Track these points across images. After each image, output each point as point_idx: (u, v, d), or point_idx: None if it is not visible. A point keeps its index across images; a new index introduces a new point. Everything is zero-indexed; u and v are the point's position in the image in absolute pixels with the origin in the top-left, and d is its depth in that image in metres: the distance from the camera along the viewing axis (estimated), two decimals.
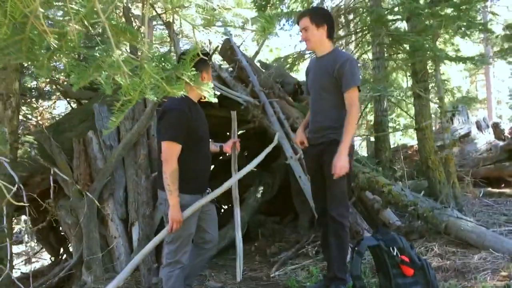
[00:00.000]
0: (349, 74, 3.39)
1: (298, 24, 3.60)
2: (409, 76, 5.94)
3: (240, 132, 8.93)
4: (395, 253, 3.01)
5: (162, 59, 1.57)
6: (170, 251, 3.26)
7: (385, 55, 6.28)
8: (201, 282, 4.63)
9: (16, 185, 3.61)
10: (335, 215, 3.45)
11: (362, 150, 12.31)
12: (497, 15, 7.54)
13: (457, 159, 8.55)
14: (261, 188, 6.65)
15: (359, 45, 6.50)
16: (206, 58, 3.09)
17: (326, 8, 4.43)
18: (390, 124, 9.67)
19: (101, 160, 5.54)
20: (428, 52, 4.65)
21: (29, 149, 5.10)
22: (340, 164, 3.28)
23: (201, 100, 3.15)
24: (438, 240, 4.52)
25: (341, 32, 6.71)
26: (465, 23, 4.21)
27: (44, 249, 7.44)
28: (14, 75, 3.89)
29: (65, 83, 6.63)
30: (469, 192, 6.02)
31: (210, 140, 3.56)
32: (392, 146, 8.78)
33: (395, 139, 12.18)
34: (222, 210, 7.88)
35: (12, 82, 3.87)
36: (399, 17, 5.01)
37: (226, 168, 8.69)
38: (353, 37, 6.69)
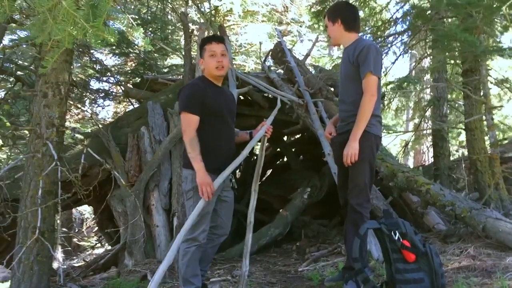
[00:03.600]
0: (366, 60, 3.34)
1: None
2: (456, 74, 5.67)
3: (296, 137, 9.04)
4: (396, 238, 2.91)
5: None
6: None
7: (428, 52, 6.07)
8: (228, 271, 4.72)
9: (55, 162, 3.98)
10: (354, 205, 3.40)
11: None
12: None
13: None
14: (308, 190, 6.64)
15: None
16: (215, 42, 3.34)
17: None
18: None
19: (150, 153, 5.90)
20: (472, 48, 4.44)
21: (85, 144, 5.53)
22: (348, 152, 3.27)
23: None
24: (476, 243, 4.24)
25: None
26: (506, 14, 3.96)
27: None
28: (64, 65, 4.30)
29: (128, 84, 7.17)
30: None
31: (238, 130, 3.66)
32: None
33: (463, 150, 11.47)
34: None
35: (62, 72, 4.27)
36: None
37: (283, 171, 8.84)
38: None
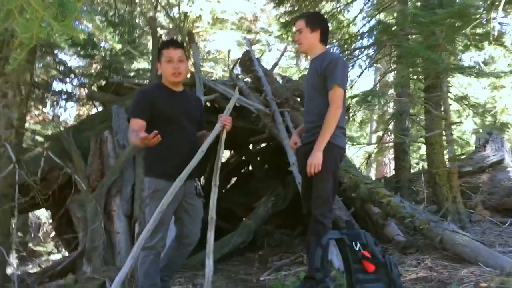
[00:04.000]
0: (333, 72, 3.38)
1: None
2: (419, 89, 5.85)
3: (261, 146, 9.07)
4: (357, 248, 2.95)
5: None
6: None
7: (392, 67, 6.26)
8: (189, 280, 4.67)
9: (13, 165, 3.85)
10: (317, 215, 3.41)
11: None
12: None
13: (487, 187, 8.17)
14: (272, 199, 6.66)
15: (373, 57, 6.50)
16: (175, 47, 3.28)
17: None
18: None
19: (113, 158, 5.78)
20: (434, 65, 4.59)
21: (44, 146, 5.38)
22: (312, 162, 3.30)
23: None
24: (433, 254, 4.36)
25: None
26: (468, 34, 4.12)
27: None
28: (26, 66, 4.19)
29: (92, 87, 7.04)
30: (479, 213, 5.75)
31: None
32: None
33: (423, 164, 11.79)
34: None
35: (24, 72, 4.16)
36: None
37: (248, 179, 8.86)
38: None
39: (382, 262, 2.95)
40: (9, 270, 5.23)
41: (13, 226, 4.81)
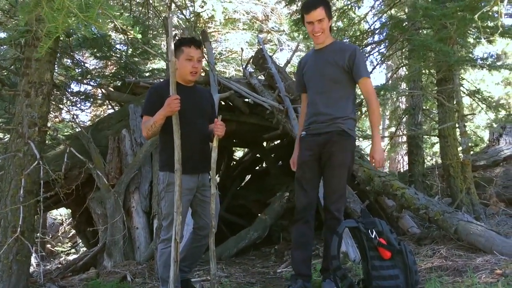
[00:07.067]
0: (362, 63, 3.36)
1: (306, 14, 3.38)
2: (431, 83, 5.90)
3: (275, 142, 9.16)
4: (373, 236, 3.03)
5: None
6: (163, 227, 3.38)
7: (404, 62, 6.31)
8: (207, 272, 4.77)
9: (37, 161, 3.99)
10: (334, 211, 3.33)
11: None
12: None
13: (501, 180, 8.17)
14: (287, 194, 6.75)
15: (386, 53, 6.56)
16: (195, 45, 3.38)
17: None
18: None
19: (131, 156, 5.93)
20: (446, 58, 4.64)
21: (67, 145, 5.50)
22: (380, 157, 3.27)
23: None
24: (448, 245, 4.40)
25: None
26: (479, 26, 4.16)
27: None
28: (47, 66, 4.32)
29: (109, 87, 7.19)
30: (494, 204, 5.77)
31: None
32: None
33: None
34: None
35: (45, 72, 4.29)
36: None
37: (262, 176, 8.96)
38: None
39: (398, 249, 3.03)
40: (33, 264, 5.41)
41: (37, 222, 4.94)
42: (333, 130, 3.34)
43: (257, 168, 9.71)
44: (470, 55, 5.52)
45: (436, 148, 10.63)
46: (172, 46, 3.26)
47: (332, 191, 3.39)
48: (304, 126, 3.57)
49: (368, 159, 3.99)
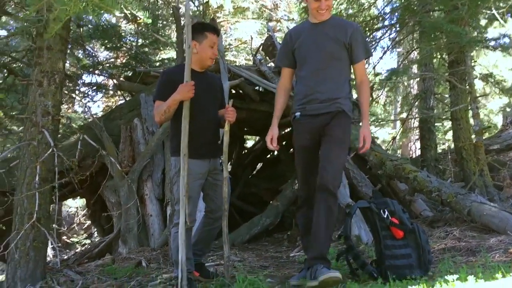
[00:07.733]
0: (363, 43, 3.30)
1: None
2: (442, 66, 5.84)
3: (286, 130, 9.16)
4: (385, 216, 3.04)
5: None
6: (176, 211, 3.41)
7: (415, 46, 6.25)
8: (221, 257, 4.81)
9: (51, 149, 4.04)
10: (331, 187, 3.07)
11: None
12: None
13: None
14: None
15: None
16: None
17: None
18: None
19: (143, 144, 5.98)
20: (457, 39, 4.59)
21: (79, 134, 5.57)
22: (370, 137, 3.21)
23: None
24: (461, 226, 4.41)
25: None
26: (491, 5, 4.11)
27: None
28: (59, 55, 4.36)
29: (120, 78, 7.24)
30: (506, 185, 5.72)
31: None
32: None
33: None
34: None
35: (57, 61, 4.33)
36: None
37: (273, 164, 8.97)
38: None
39: (410, 229, 3.04)
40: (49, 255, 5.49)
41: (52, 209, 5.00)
42: (332, 110, 3.20)
43: (268, 156, 9.71)
44: (482, 35, 5.45)
45: (449, 135, 10.50)
46: (190, 32, 3.25)
47: (331, 168, 3.12)
48: (297, 106, 3.36)
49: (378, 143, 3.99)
